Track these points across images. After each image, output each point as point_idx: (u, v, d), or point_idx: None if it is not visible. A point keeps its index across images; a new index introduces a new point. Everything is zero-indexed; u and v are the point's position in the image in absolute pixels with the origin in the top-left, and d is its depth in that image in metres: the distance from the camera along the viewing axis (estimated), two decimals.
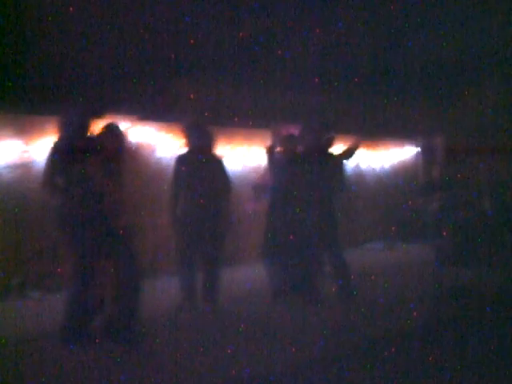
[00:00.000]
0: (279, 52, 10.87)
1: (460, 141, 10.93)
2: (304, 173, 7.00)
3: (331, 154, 7.38)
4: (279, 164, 7.19)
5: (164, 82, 10.30)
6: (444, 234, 8.04)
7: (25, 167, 7.29)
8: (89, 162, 5.36)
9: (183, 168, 6.80)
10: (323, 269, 7.35)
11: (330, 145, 7.37)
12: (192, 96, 10.26)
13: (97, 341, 5.25)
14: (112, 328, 5.31)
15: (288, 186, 6.97)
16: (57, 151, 5.84)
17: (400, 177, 12.56)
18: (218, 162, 6.93)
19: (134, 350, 5.17)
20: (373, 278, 7.97)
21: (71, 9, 9.88)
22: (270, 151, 7.21)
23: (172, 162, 6.92)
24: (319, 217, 6.91)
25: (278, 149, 7.25)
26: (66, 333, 5.30)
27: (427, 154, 10.60)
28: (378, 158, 12.16)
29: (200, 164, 6.77)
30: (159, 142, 8.68)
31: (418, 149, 12.63)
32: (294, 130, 7.33)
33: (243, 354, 5.09)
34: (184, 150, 7.00)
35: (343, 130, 11.16)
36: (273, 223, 6.95)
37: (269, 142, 7.26)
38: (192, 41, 9.87)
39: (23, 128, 7.33)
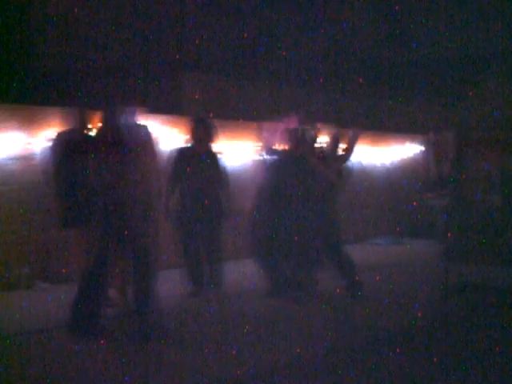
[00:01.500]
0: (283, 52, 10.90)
1: (468, 137, 10.85)
2: (305, 169, 6.94)
3: (335, 153, 7.34)
4: (279, 160, 7.12)
5: (171, 76, 10.27)
6: (451, 230, 8.01)
7: (28, 159, 7.24)
8: (93, 155, 5.32)
9: (182, 162, 6.85)
10: (327, 267, 7.29)
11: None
12: (198, 90, 10.23)
13: (102, 341, 5.17)
14: (122, 324, 5.28)
15: (288, 182, 6.89)
16: (61, 144, 5.86)
17: (407, 173, 12.48)
18: (215, 157, 6.98)
19: (143, 346, 5.09)
20: (377, 277, 7.92)
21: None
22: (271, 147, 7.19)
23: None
24: (321, 215, 6.85)
25: (281, 143, 7.20)
26: (75, 328, 5.27)
27: (435, 149, 10.55)
28: (386, 154, 12.08)
29: (199, 158, 6.82)
30: (166, 136, 8.60)
31: (427, 144, 12.54)
32: (299, 125, 7.25)
33: (247, 354, 5.03)
34: (184, 143, 7.00)
35: (352, 125, 11.13)
36: (272, 220, 6.89)
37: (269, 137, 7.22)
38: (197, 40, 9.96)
39: (27, 120, 7.28)
